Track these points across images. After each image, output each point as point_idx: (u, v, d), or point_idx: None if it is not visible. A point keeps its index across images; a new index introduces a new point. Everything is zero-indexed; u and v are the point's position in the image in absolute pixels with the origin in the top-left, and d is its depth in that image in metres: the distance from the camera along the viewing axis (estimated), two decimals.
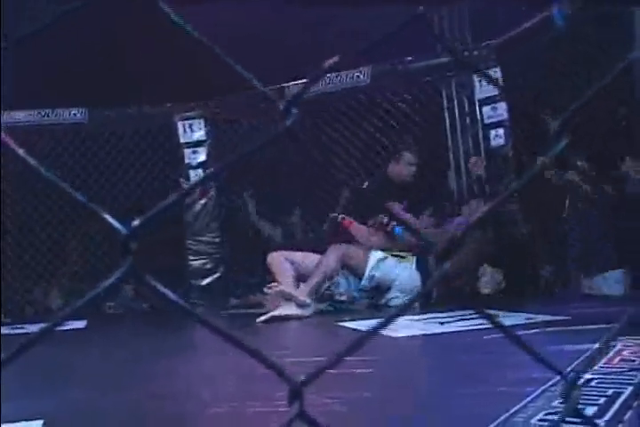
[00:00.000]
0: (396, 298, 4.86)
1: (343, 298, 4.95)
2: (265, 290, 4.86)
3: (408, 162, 5.44)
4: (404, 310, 0.61)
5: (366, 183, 5.54)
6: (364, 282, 4.90)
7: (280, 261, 4.90)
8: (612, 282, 4.75)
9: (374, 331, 0.53)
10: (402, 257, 4.95)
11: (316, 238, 5.97)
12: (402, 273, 4.88)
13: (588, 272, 4.88)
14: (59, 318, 0.47)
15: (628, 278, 4.73)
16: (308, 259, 4.99)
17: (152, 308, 6.20)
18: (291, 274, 4.84)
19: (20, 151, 0.47)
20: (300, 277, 4.86)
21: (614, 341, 2.27)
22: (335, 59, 0.62)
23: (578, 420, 1.11)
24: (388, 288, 4.90)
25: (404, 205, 5.20)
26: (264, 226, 6.48)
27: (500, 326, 0.65)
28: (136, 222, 0.47)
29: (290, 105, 0.51)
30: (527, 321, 3.28)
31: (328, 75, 5.61)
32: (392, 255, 4.96)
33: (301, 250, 5.16)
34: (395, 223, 5.04)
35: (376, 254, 4.94)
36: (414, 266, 4.90)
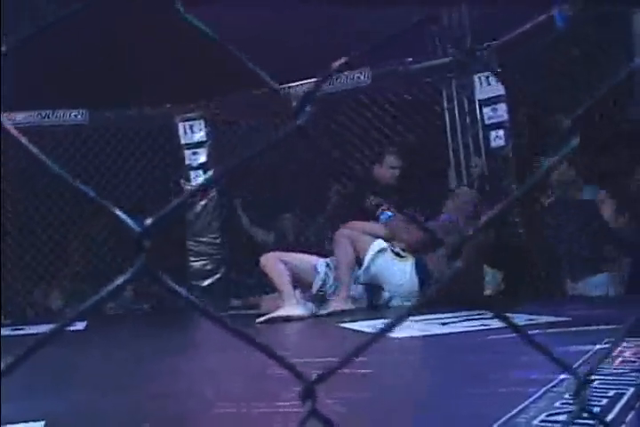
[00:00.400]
0: (394, 299, 4.86)
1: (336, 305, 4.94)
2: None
3: (390, 165, 5.46)
4: (415, 309, 0.60)
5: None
6: (359, 272, 4.90)
7: (274, 263, 4.89)
8: (596, 286, 4.74)
9: (386, 330, 0.53)
10: (401, 256, 4.93)
11: (311, 241, 6.01)
12: (398, 274, 4.87)
13: (574, 277, 4.88)
14: (70, 318, 0.47)
15: (616, 281, 4.71)
16: (303, 261, 5.00)
17: (152, 308, 6.21)
18: (287, 274, 4.83)
19: (31, 146, 0.47)
20: (296, 278, 4.86)
21: (623, 341, 2.26)
22: (343, 60, 0.62)
23: (582, 420, 1.11)
24: (382, 288, 4.90)
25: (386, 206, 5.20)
26: (256, 232, 6.51)
27: (513, 326, 0.65)
28: (149, 221, 0.47)
29: (303, 102, 0.51)
30: (529, 322, 3.27)
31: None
32: (391, 251, 4.94)
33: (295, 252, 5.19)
34: (381, 210, 5.06)
35: (378, 243, 4.93)
36: (413, 269, 4.87)
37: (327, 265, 4.96)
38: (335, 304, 4.75)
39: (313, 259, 5.05)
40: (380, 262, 4.88)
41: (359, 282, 4.93)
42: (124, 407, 2.12)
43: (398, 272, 4.86)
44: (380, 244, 4.92)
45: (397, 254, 4.92)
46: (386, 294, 4.90)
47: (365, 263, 4.89)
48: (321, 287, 4.94)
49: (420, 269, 4.84)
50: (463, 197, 5.13)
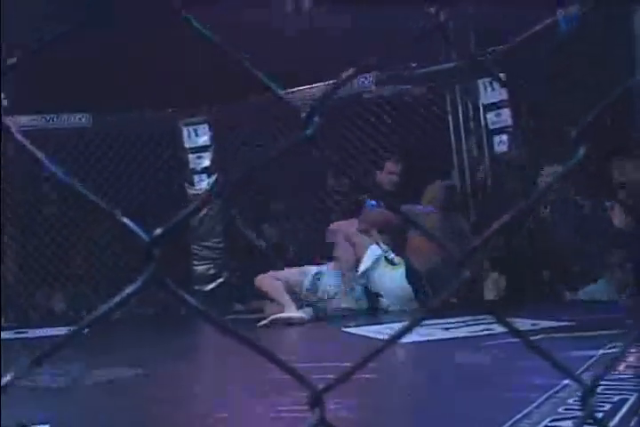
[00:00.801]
0: (392, 305, 4.89)
1: (339, 304, 4.96)
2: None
3: (388, 171, 5.51)
4: (424, 317, 0.60)
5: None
6: (360, 272, 4.94)
7: (269, 281, 4.99)
8: (599, 292, 4.72)
9: (397, 338, 0.53)
10: (393, 264, 4.95)
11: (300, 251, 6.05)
12: (389, 283, 4.92)
13: (577, 282, 4.86)
14: (80, 327, 0.47)
15: (620, 287, 4.69)
16: (294, 274, 5.05)
17: (157, 314, 6.19)
18: (283, 288, 4.90)
19: (39, 154, 0.47)
20: (289, 291, 4.91)
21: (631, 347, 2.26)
22: (351, 71, 0.62)
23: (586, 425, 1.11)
24: (380, 295, 4.95)
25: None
26: (251, 235, 6.51)
27: (515, 332, 0.65)
28: (158, 231, 0.47)
29: (312, 113, 0.51)
30: (532, 327, 3.27)
31: (332, 80, 5.59)
32: (385, 258, 4.97)
33: (287, 265, 5.31)
34: (366, 198, 5.19)
35: (374, 250, 4.96)
36: (404, 277, 4.90)
37: (317, 273, 5.01)
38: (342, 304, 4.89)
39: (304, 269, 5.09)
40: (375, 272, 4.94)
41: (358, 283, 4.98)
42: (126, 412, 2.12)
43: (390, 281, 4.92)
44: (375, 252, 4.96)
45: (391, 262, 4.95)
46: (384, 301, 4.94)
47: (362, 269, 4.93)
48: (309, 290, 4.96)
49: (411, 275, 4.87)
50: (433, 190, 5.22)
